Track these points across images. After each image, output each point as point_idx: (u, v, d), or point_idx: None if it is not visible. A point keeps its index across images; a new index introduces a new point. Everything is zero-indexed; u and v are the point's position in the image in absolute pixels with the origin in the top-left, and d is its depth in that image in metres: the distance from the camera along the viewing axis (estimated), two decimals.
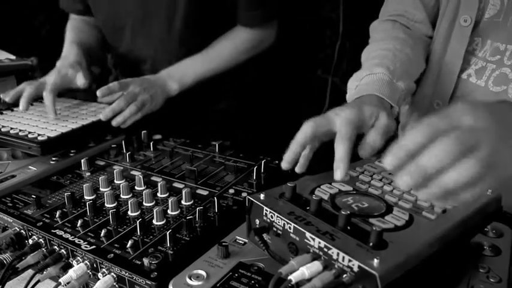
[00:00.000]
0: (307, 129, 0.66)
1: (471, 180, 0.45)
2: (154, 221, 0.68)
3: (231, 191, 0.78)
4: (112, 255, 0.61)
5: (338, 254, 0.46)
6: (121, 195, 0.76)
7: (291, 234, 0.52)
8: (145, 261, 0.59)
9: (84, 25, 1.36)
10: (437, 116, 0.48)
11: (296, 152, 0.67)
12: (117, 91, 1.08)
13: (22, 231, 0.70)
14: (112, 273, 0.60)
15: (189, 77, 1.20)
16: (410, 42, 0.91)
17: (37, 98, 1.12)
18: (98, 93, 1.07)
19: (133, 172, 0.86)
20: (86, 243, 0.64)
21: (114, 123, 1.06)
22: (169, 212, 0.71)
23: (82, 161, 0.88)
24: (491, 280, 0.55)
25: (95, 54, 1.33)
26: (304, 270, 0.47)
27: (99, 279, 0.60)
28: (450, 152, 0.45)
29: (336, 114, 0.68)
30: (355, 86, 0.82)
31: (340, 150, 0.63)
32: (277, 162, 0.88)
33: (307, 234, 0.50)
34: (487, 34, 0.86)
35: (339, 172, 0.61)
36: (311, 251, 0.50)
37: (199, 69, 1.21)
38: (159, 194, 0.77)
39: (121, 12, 1.21)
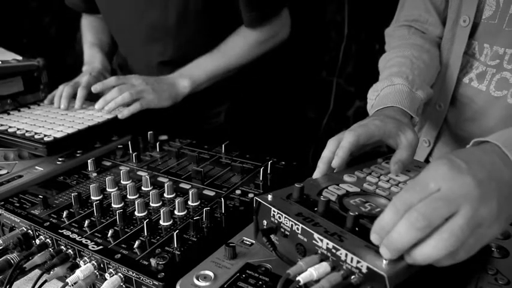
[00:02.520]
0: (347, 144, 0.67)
1: (447, 252, 0.43)
2: (161, 222, 0.68)
3: (238, 192, 0.78)
4: (119, 255, 0.61)
5: (346, 255, 0.46)
6: (128, 196, 0.76)
7: (299, 235, 0.52)
8: (153, 261, 0.59)
9: (98, 23, 1.39)
10: (412, 186, 0.46)
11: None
12: (114, 84, 1.10)
13: (29, 231, 0.70)
14: (119, 274, 0.60)
15: (200, 74, 1.19)
16: (427, 46, 0.91)
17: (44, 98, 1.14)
18: (93, 89, 1.09)
19: (139, 173, 0.86)
20: (93, 243, 0.64)
21: (106, 108, 1.07)
22: (176, 212, 0.71)
23: (89, 161, 0.88)
24: (500, 282, 0.54)
25: (113, 52, 1.38)
26: (312, 271, 0.47)
27: (106, 279, 0.60)
28: (415, 227, 0.43)
29: (360, 126, 0.70)
30: (375, 96, 0.83)
31: (325, 152, 0.68)
32: (283, 163, 0.88)
33: (315, 235, 0.50)
34: (484, 36, 0.85)
35: (316, 171, 0.68)
36: (319, 252, 0.50)
37: (210, 66, 1.20)
38: (165, 195, 0.77)
39: (120, 12, 1.23)
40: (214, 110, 1.34)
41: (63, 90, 1.14)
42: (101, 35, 1.37)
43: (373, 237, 0.47)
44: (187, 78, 1.18)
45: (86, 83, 1.15)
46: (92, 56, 1.30)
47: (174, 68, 1.21)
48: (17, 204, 0.75)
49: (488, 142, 0.52)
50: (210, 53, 1.21)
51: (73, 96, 1.15)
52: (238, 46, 1.22)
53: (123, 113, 1.07)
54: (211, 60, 1.20)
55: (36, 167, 0.89)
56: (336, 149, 0.67)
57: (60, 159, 0.92)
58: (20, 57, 1.26)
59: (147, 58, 1.27)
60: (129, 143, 0.97)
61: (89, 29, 1.38)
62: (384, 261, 0.44)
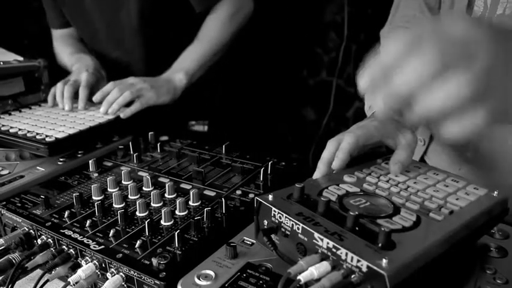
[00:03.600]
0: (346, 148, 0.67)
1: (460, 104, 0.37)
2: (162, 222, 0.69)
3: (238, 192, 0.78)
4: (121, 255, 0.61)
5: (347, 254, 0.47)
6: (129, 196, 0.77)
7: (300, 235, 0.52)
8: (154, 261, 0.59)
9: (71, 39, 1.44)
10: (424, 23, 0.40)
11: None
12: (113, 89, 1.11)
13: (31, 231, 0.70)
14: (121, 273, 0.60)
15: (190, 65, 1.24)
16: None
17: (45, 99, 1.14)
18: (94, 99, 1.10)
19: (140, 173, 0.86)
20: (94, 243, 0.64)
21: (110, 111, 1.09)
22: (177, 212, 0.71)
23: (90, 161, 0.88)
24: (498, 281, 0.55)
25: None
26: (313, 270, 0.48)
27: (107, 279, 0.60)
28: (431, 66, 0.36)
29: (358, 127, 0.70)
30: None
31: (325, 153, 0.68)
32: (283, 163, 0.89)
33: (316, 235, 0.50)
34: None
35: (316, 172, 0.68)
36: (319, 251, 0.50)
37: (197, 55, 1.25)
38: (166, 195, 0.77)
39: (92, 20, 1.28)
40: (214, 112, 1.36)
41: (63, 90, 1.14)
42: (80, 46, 1.41)
43: (362, 82, 0.40)
44: (180, 71, 1.22)
45: (86, 82, 1.16)
46: (80, 58, 1.32)
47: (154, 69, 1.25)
48: (19, 204, 0.75)
49: None
50: (192, 43, 1.26)
51: (74, 96, 1.15)
52: (213, 27, 1.27)
53: (125, 113, 1.08)
54: (195, 49, 1.25)
55: (38, 167, 0.89)
56: (336, 150, 0.68)
57: (61, 159, 0.92)
58: (21, 58, 1.27)
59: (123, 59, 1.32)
60: (130, 143, 0.97)
61: (65, 45, 1.42)
62: (384, 260, 0.44)
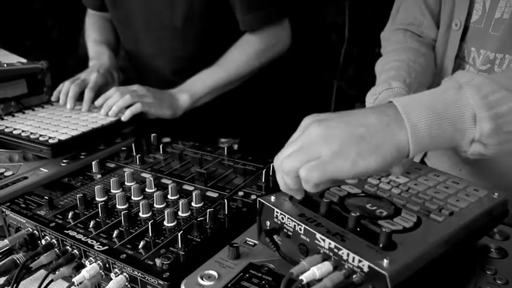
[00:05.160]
0: None
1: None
2: (165, 223, 0.69)
3: (240, 193, 0.79)
4: (124, 255, 0.62)
5: (348, 255, 0.47)
6: (132, 197, 0.77)
7: (302, 236, 0.53)
8: (158, 261, 0.60)
9: (104, 22, 1.42)
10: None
11: None
12: (114, 93, 1.12)
13: (35, 231, 0.71)
14: (124, 273, 0.61)
15: (199, 89, 1.21)
16: (423, 50, 0.92)
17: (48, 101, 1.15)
18: (96, 103, 1.11)
19: (143, 174, 0.87)
20: (98, 243, 0.65)
21: (110, 113, 1.09)
22: (180, 213, 0.72)
23: (93, 163, 0.89)
24: (498, 282, 0.55)
25: (117, 51, 1.40)
26: (315, 270, 0.48)
27: (111, 279, 0.61)
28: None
29: None
30: (374, 99, 0.84)
31: None
32: None
33: (318, 235, 0.51)
34: (472, 40, 0.85)
35: None
36: (321, 251, 0.51)
37: (210, 80, 1.21)
38: (169, 196, 0.78)
39: (130, 10, 1.25)
40: (215, 113, 1.36)
41: (69, 89, 1.15)
42: (107, 34, 1.40)
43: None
44: (187, 92, 1.20)
45: (93, 84, 1.16)
46: (99, 53, 1.32)
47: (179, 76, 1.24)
48: (23, 205, 0.76)
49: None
50: (210, 67, 1.22)
51: (80, 95, 1.16)
52: (237, 58, 1.23)
53: (126, 115, 1.08)
54: (211, 74, 1.22)
55: (41, 169, 0.90)
56: None
57: (64, 161, 0.93)
58: (24, 60, 1.27)
59: (155, 63, 1.30)
60: (133, 145, 0.98)
61: (95, 28, 1.41)
62: (385, 261, 0.45)
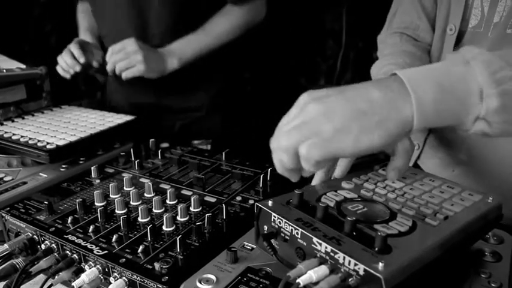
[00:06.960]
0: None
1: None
2: (164, 227, 0.70)
3: (238, 198, 0.80)
4: (124, 259, 0.63)
5: (344, 258, 0.48)
6: (131, 202, 0.78)
7: (299, 240, 0.54)
8: (157, 265, 0.61)
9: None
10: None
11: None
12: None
13: (35, 236, 0.72)
14: (124, 278, 0.61)
15: (187, 53, 1.29)
16: (419, 54, 0.93)
17: (47, 106, 1.16)
18: (94, 64, 1.29)
19: (142, 179, 0.88)
20: (97, 248, 0.65)
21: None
22: (178, 218, 0.73)
23: (92, 168, 0.90)
24: (492, 285, 0.56)
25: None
26: (311, 273, 0.49)
27: (111, 283, 0.62)
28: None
29: None
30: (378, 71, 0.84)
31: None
32: None
33: (314, 240, 0.51)
34: (469, 45, 0.86)
35: (315, 178, 0.69)
36: (318, 255, 0.51)
37: (197, 45, 1.29)
38: (168, 201, 0.78)
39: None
40: (213, 120, 1.37)
41: (66, 60, 1.28)
42: (93, 20, 1.48)
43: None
44: (176, 57, 1.27)
45: (78, 39, 1.32)
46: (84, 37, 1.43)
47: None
48: (23, 210, 0.77)
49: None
50: (197, 32, 1.30)
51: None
52: (222, 27, 1.31)
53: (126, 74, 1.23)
54: (198, 41, 1.30)
55: (40, 174, 0.90)
56: None
57: (63, 166, 0.94)
58: (23, 66, 1.28)
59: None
60: (131, 150, 0.99)
61: (84, 15, 1.51)
62: (381, 264, 0.45)
